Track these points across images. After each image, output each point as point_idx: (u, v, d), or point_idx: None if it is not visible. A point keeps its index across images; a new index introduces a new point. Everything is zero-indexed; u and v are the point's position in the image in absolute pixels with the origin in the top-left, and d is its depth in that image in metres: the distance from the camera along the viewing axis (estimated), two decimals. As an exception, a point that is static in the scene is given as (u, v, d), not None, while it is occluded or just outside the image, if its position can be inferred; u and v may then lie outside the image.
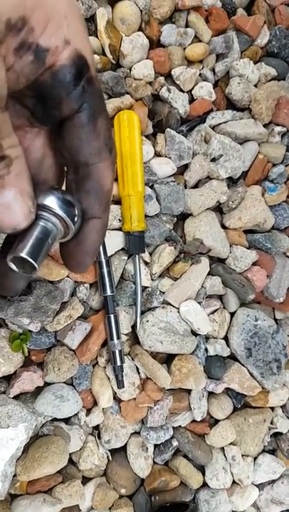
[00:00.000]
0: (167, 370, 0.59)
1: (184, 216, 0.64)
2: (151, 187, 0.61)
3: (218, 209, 0.66)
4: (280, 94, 0.68)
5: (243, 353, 0.63)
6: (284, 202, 0.68)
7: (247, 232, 0.67)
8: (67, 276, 0.55)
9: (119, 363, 0.55)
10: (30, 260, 0.27)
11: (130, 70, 0.61)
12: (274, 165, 0.68)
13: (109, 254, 0.57)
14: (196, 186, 0.65)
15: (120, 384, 0.56)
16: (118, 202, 0.59)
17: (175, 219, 0.63)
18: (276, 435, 0.67)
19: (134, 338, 0.60)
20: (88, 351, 0.55)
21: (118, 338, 0.56)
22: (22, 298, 0.50)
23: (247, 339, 0.63)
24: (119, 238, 0.58)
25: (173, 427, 0.61)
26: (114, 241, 0.58)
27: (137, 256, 0.58)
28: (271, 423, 0.66)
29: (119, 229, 0.58)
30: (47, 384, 0.55)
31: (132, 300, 0.59)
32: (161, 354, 0.61)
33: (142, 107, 0.60)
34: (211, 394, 0.63)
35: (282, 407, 0.67)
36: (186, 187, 0.64)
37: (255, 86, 0.68)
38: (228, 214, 0.66)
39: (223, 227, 0.65)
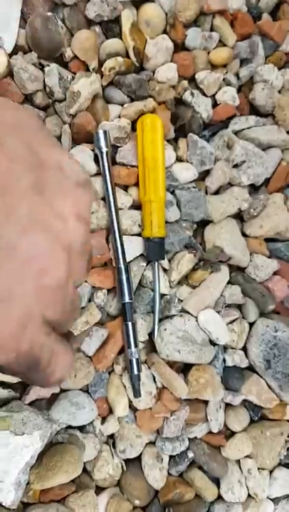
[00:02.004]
0: (184, 380, 0.58)
1: (204, 223, 0.62)
2: (172, 193, 0.60)
3: (239, 216, 0.65)
4: (304, 101, 0.67)
5: (262, 364, 0.61)
6: (306, 210, 0.67)
7: (268, 240, 0.65)
8: (85, 281, 0.54)
9: (136, 372, 0.54)
10: None
11: (154, 72, 0.60)
12: (296, 172, 0.67)
13: (128, 260, 0.56)
14: (216, 193, 0.64)
15: (137, 393, 0.55)
16: (138, 207, 0.58)
17: (195, 226, 0.61)
18: (293, 449, 0.66)
19: (151, 346, 0.59)
20: (105, 358, 0.54)
21: (136, 346, 0.55)
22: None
23: (266, 350, 0.61)
24: (138, 244, 0.57)
25: (189, 438, 0.59)
26: (133, 247, 0.57)
27: (156, 263, 0.57)
28: (288, 436, 0.64)
29: (139, 234, 0.57)
30: (63, 391, 0.54)
31: (150, 307, 0.58)
32: (178, 363, 0.60)
33: (165, 110, 0.59)
34: (227, 405, 0.62)
35: (300, 420, 0.65)
36: (206, 193, 0.63)
37: (279, 92, 0.67)
38: (249, 222, 0.64)
39: (244, 235, 0.64)
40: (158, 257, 0.57)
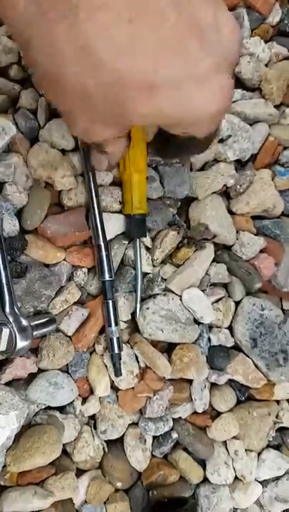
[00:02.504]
0: (168, 360, 0.57)
1: (188, 200, 0.61)
2: (155, 168, 0.58)
3: (225, 193, 0.63)
4: (292, 74, 0.65)
5: (248, 343, 0.60)
6: (294, 187, 0.65)
7: (255, 218, 0.64)
8: (64, 260, 0.53)
9: (116, 351, 0.53)
10: None
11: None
12: (285, 148, 0.65)
13: (108, 238, 0.54)
14: (202, 169, 0.62)
15: (118, 372, 0.53)
16: (119, 184, 0.56)
17: (179, 203, 0.60)
18: (281, 430, 0.65)
19: (134, 326, 0.58)
20: (85, 337, 0.53)
21: (116, 324, 0.53)
22: (13, 280, 0.48)
23: (252, 329, 0.60)
24: (119, 222, 0.55)
25: (173, 419, 0.58)
26: (114, 225, 0.55)
27: (137, 240, 0.55)
28: (276, 417, 0.63)
29: (120, 212, 0.56)
30: (41, 371, 0.52)
31: (132, 286, 0.57)
32: (161, 343, 0.59)
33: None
34: (213, 385, 0.60)
35: (288, 400, 0.64)
36: (191, 169, 0.61)
37: (266, 65, 0.65)
38: (236, 199, 0.63)
39: (230, 212, 0.62)
40: (139, 235, 0.55)
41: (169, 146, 0.44)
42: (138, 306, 0.56)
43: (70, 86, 0.31)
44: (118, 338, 0.53)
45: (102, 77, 0.29)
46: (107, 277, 0.53)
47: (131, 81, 0.29)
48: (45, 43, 0.29)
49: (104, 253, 0.53)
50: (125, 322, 0.57)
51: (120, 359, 0.54)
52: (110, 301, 0.53)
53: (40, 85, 0.33)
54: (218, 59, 0.31)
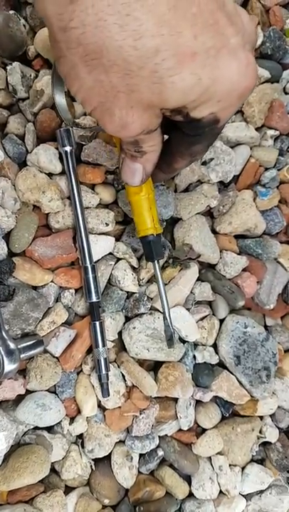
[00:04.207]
0: (154, 378, 0.58)
1: (173, 221, 0.62)
2: (140, 191, 0.59)
3: (209, 213, 0.65)
4: (273, 97, 0.67)
5: (232, 360, 0.61)
6: (276, 207, 0.67)
7: (238, 237, 0.66)
8: (52, 282, 0.54)
9: (104, 372, 0.54)
10: None
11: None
12: (266, 169, 0.67)
13: (96, 259, 0.56)
14: (186, 190, 0.64)
15: (105, 393, 0.54)
16: (106, 206, 0.58)
17: (164, 223, 0.61)
18: (265, 444, 0.66)
19: (121, 345, 0.59)
20: (72, 358, 0.54)
21: (103, 345, 0.54)
22: (1, 304, 0.49)
23: (236, 346, 0.62)
24: (106, 243, 0.57)
25: (159, 436, 0.59)
26: (101, 246, 0.56)
27: (156, 262, 0.52)
28: (260, 432, 0.64)
29: (107, 233, 0.57)
30: (29, 392, 0.53)
31: (119, 306, 0.58)
32: (148, 361, 0.60)
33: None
34: (198, 402, 0.62)
35: (272, 416, 0.66)
36: (176, 191, 0.63)
37: (248, 88, 0.66)
38: (219, 219, 0.64)
39: (214, 232, 0.64)
40: (159, 256, 0.52)
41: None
42: (171, 327, 0.53)
43: (112, 59, 0.31)
44: (105, 359, 0.54)
45: (145, 45, 0.30)
46: (94, 299, 0.54)
47: (172, 47, 0.31)
48: (92, 18, 0.30)
49: (91, 275, 0.54)
50: (112, 341, 0.58)
51: (108, 379, 0.55)
52: (97, 323, 0.54)
53: (75, 75, 0.32)
54: (244, 39, 0.34)
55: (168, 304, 0.53)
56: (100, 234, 0.57)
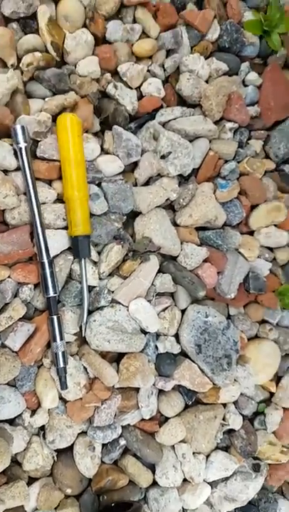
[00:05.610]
0: (116, 370, 0.59)
1: (135, 214, 0.63)
2: (99, 185, 0.60)
3: (170, 207, 0.66)
4: (231, 90, 0.68)
5: (193, 349, 0.62)
6: (235, 198, 0.68)
7: (199, 229, 0.66)
8: (9, 277, 0.55)
9: (62, 365, 0.55)
10: None
11: (75, 66, 0.60)
12: (226, 161, 0.68)
13: (54, 254, 0.56)
14: (147, 184, 0.64)
15: (63, 385, 0.55)
16: (63, 201, 0.58)
17: (124, 217, 0.62)
18: (230, 432, 0.67)
19: (83, 338, 0.60)
20: (31, 352, 0.55)
21: (61, 339, 0.55)
22: None
23: (197, 335, 0.63)
24: (64, 238, 0.57)
25: (122, 426, 0.60)
26: (58, 241, 0.57)
27: (82, 260, 0.57)
28: (223, 419, 0.65)
29: (65, 228, 0.58)
30: (-14, 386, 0.54)
31: (79, 300, 0.59)
32: (111, 353, 0.61)
33: (87, 104, 0.60)
34: (161, 391, 0.63)
35: (235, 403, 0.67)
36: (136, 185, 0.63)
37: (207, 82, 0.67)
38: (180, 211, 0.65)
39: (176, 224, 0.65)
40: (84, 255, 0.57)
41: None
42: (85, 320, 0.57)
43: None
44: (63, 353, 0.55)
45: None
46: (51, 293, 0.55)
47: None
48: None
49: (47, 270, 0.55)
50: (74, 335, 0.59)
51: (66, 373, 0.55)
52: (55, 317, 0.55)
53: None
54: None
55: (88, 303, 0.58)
56: (57, 229, 0.57)
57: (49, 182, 0.58)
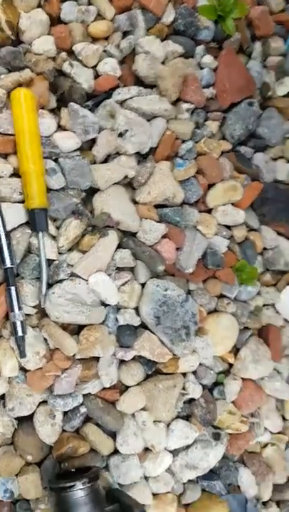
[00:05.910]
0: (77, 341, 0.60)
1: (93, 191, 0.65)
2: (56, 161, 0.61)
3: (130, 185, 0.67)
4: (187, 71, 0.70)
5: (153, 321, 0.64)
6: (193, 177, 0.70)
7: (158, 206, 0.68)
8: None
9: (20, 334, 0.56)
10: None
11: (30, 45, 0.61)
12: (183, 141, 0.70)
13: (11, 228, 0.58)
14: (105, 162, 0.66)
15: (22, 354, 0.56)
16: (19, 175, 0.59)
17: (83, 194, 0.63)
18: (191, 401, 0.69)
19: (43, 312, 0.61)
20: (-12, 322, 0.56)
21: (19, 309, 0.56)
22: None
23: (156, 308, 0.64)
24: (21, 211, 0.58)
25: (83, 395, 0.62)
26: (15, 215, 0.58)
27: (40, 233, 0.58)
28: (183, 389, 0.67)
29: (22, 202, 0.59)
30: None
31: (38, 273, 0.60)
32: (72, 326, 0.62)
33: (43, 80, 0.61)
34: (122, 362, 0.64)
35: (194, 373, 0.69)
36: (95, 162, 0.65)
37: (163, 63, 0.69)
38: (139, 189, 0.67)
39: (135, 202, 0.67)
40: (42, 228, 0.58)
41: None
42: (43, 292, 0.59)
43: None
44: (22, 322, 0.56)
45: None
46: (8, 265, 0.56)
47: None
48: None
49: (4, 242, 0.56)
50: (34, 307, 0.60)
51: (24, 341, 0.57)
52: (12, 288, 0.56)
53: None
54: None
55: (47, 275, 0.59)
56: (13, 202, 0.58)
57: (5, 156, 0.59)
